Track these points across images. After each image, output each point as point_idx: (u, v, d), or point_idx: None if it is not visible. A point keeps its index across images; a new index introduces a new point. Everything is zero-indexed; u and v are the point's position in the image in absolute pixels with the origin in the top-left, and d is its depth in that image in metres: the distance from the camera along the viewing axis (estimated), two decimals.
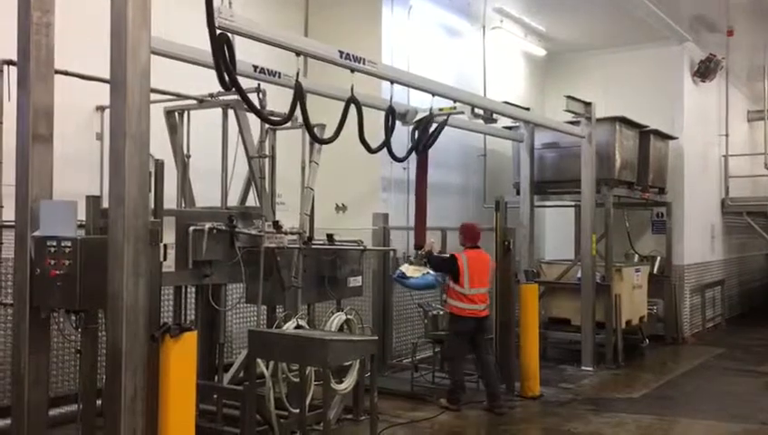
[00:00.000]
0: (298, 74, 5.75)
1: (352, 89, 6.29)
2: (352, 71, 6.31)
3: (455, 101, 8.43)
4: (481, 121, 9.46)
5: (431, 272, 8.37)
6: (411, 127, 8.48)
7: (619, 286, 10.75)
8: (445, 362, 8.78)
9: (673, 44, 13.05)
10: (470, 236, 8.36)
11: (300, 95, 5.71)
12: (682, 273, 13.03)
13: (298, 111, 5.83)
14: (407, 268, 8.58)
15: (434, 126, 8.05)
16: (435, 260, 8.31)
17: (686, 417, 8.12)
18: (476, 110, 8.88)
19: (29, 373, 4.81)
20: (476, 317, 8.06)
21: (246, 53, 6.34)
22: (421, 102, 8.22)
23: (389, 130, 6.93)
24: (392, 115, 6.98)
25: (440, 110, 8.53)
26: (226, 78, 4.99)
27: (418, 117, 8.47)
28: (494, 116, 9.39)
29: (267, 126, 6.98)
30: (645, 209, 13.15)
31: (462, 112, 8.84)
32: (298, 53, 5.82)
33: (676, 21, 12.22)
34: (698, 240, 13.85)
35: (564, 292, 11.04)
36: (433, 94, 7.66)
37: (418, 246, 8.55)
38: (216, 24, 4.88)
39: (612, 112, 11.15)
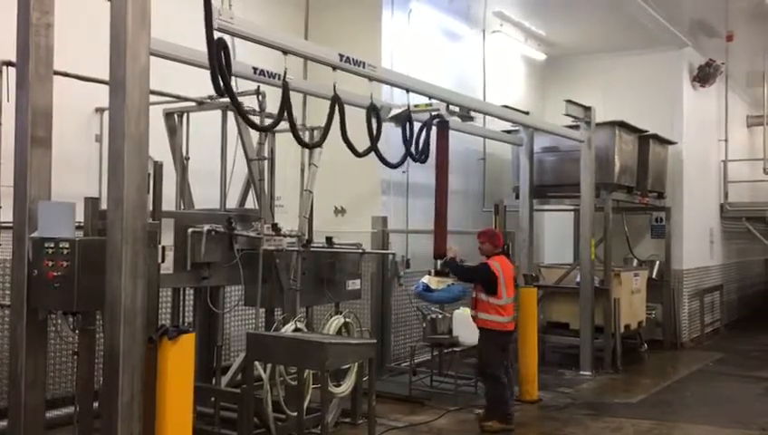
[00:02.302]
0: (285, 74, 5.61)
1: (335, 87, 6.01)
2: (334, 68, 6.09)
3: (442, 101, 7.99)
4: (481, 125, 9.41)
5: (455, 283, 7.98)
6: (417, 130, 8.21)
7: (617, 291, 10.74)
8: (484, 380, 7.78)
9: (672, 49, 13.05)
10: (497, 241, 7.72)
11: (287, 96, 5.54)
12: (681, 277, 13.01)
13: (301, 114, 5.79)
14: (429, 280, 8.05)
15: (422, 126, 7.83)
16: (461, 269, 7.69)
17: (684, 422, 8.11)
18: (451, 107, 8.27)
19: (26, 375, 4.81)
20: (509, 331, 7.61)
21: (248, 54, 6.35)
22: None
23: (374, 131, 6.39)
24: (376, 114, 6.41)
25: (416, 106, 7.82)
26: (221, 83, 4.95)
27: (393, 113, 7.97)
28: (494, 120, 9.32)
29: None
30: (644, 214, 13.16)
31: (438, 109, 8.02)
32: (285, 52, 5.60)
33: (676, 26, 12.23)
34: (697, 245, 13.83)
35: (563, 296, 11.02)
36: (430, 97, 7.59)
37: (439, 255, 7.87)
38: (215, 26, 4.85)
39: (612, 117, 11.16)
